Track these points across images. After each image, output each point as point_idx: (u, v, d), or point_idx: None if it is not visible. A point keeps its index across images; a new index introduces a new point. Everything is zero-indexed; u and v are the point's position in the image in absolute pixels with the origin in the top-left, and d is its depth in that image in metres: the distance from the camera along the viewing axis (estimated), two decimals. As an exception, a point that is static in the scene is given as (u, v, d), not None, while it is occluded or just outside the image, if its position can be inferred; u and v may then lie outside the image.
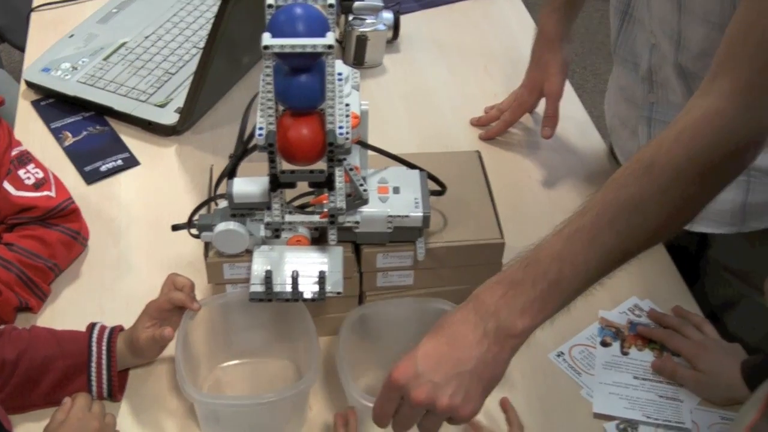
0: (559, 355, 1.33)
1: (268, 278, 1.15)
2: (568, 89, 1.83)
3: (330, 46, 1.01)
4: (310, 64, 1.04)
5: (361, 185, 1.15)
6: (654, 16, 1.32)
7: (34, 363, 1.22)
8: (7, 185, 1.37)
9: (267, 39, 1.01)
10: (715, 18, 1.21)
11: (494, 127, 1.70)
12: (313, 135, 1.08)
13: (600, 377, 1.30)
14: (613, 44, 1.50)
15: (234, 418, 1.22)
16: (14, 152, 1.42)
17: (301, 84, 1.05)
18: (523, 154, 1.68)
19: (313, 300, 1.17)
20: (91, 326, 1.27)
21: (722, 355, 1.28)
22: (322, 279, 1.15)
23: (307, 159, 1.10)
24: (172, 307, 1.23)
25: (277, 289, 1.16)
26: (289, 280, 1.15)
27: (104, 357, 1.24)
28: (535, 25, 1.98)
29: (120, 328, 1.27)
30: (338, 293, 1.17)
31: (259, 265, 1.19)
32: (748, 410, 0.95)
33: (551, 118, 1.62)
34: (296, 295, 1.16)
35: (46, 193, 1.40)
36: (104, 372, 1.24)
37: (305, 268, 1.18)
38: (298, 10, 1.03)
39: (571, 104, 1.76)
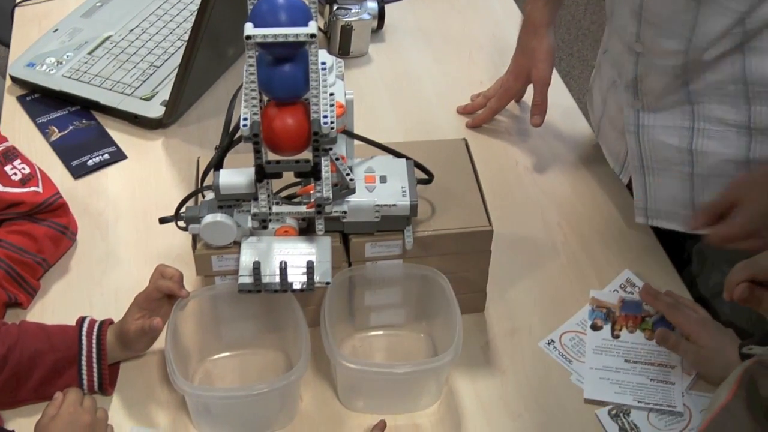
0: (549, 343, 1.33)
1: (256, 269, 1.15)
2: (555, 76, 1.83)
3: (312, 35, 1.00)
4: (293, 53, 1.04)
5: (348, 174, 1.15)
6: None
7: (24, 357, 1.21)
8: None
9: (249, 29, 1.01)
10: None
11: (480, 114, 1.69)
12: (298, 125, 1.08)
13: (591, 362, 1.30)
14: (604, 46, 1.50)
15: (225, 409, 1.22)
16: (0, 148, 1.41)
17: (284, 74, 1.05)
18: (510, 142, 1.67)
19: (302, 290, 1.17)
20: (81, 320, 1.27)
21: (720, 335, 1.28)
22: (310, 269, 1.15)
23: (293, 149, 1.10)
24: (160, 296, 1.23)
25: (265, 280, 1.16)
26: (278, 271, 1.15)
27: (94, 350, 1.24)
28: (521, 12, 1.98)
29: (110, 322, 1.27)
30: (327, 283, 1.17)
31: (247, 257, 1.19)
32: (721, 391, 0.96)
33: (540, 105, 1.61)
34: (285, 286, 1.16)
35: (33, 188, 1.40)
36: (95, 365, 1.23)
37: (293, 258, 1.18)
38: (280, 0, 1.03)
39: (557, 91, 1.76)
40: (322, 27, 1.84)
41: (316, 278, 1.16)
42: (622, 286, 1.40)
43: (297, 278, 1.17)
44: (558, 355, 1.31)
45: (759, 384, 0.90)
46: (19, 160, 1.42)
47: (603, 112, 1.54)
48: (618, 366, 1.29)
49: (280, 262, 1.15)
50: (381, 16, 1.88)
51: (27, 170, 1.41)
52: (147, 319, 1.22)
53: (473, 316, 1.35)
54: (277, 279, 1.16)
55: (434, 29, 1.95)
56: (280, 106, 1.08)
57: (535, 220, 1.52)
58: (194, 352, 1.29)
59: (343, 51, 1.81)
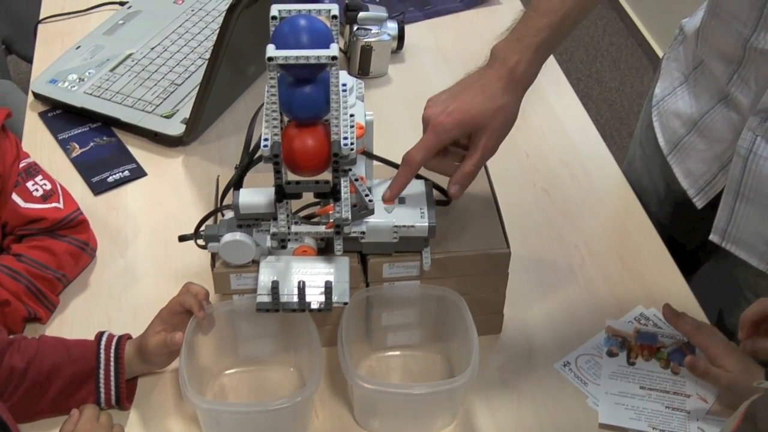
0: (565, 365, 1.33)
1: (274, 289, 1.15)
2: (572, 96, 1.83)
3: (334, 57, 1.01)
4: (314, 75, 1.05)
5: (367, 195, 1.16)
6: None
7: (43, 370, 1.22)
8: (15, 197, 1.38)
9: (271, 50, 1.01)
10: None
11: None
12: (318, 146, 1.09)
13: (606, 387, 1.30)
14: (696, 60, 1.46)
15: (235, 425, 1.22)
16: (22, 164, 1.42)
17: (306, 95, 1.06)
18: (528, 163, 1.68)
19: (319, 310, 1.17)
20: (100, 334, 1.27)
21: (744, 359, 1.25)
22: (328, 289, 1.16)
23: (313, 170, 1.11)
24: (183, 311, 1.24)
25: (283, 299, 1.17)
26: (296, 291, 1.16)
27: (112, 364, 1.24)
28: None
29: (128, 337, 1.28)
30: (344, 303, 1.18)
31: (265, 276, 1.19)
32: (729, 422, 0.95)
33: (469, 175, 1.24)
34: (303, 306, 1.17)
35: (54, 204, 1.41)
36: (112, 379, 1.24)
37: (312, 278, 1.18)
38: (301, 22, 1.04)
39: (576, 112, 1.77)
40: (343, 47, 1.85)
41: (334, 298, 1.17)
42: (637, 318, 1.39)
43: (315, 298, 1.17)
44: (574, 378, 1.31)
45: (758, 417, 0.89)
46: (40, 176, 1.43)
47: (693, 130, 1.46)
48: (633, 392, 1.29)
49: (299, 282, 1.16)
50: (401, 36, 1.89)
51: (48, 186, 1.43)
52: (168, 333, 1.22)
53: (489, 337, 1.35)
54: (295, 299, 1.16)
55: (454, 50, 1.95)
56: (301, 127, 1.09)
57: (552, 243, 1.52)
58: (211, 366, 1.30)
59: (363, 71, 1.82)
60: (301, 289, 1.15)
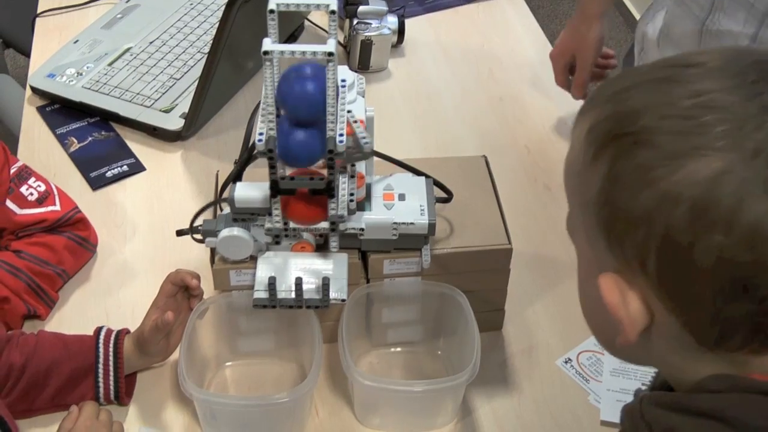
0: (566, 362, 1.32)
1: (271, 285, 1.15)
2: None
3: (330, 54, 1.00)
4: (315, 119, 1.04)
5: (363, 138, 1.12)
6: None
7: (41, 366, 1.22)
8: (10, 204, 1.36)
9: (267, 44, 1.00)
10: None
11: (574, 89, 1.70)
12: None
13: (608, 384, 1.29)
14: None
15: (230, 418, 1.22)
16: (13, 169, 1.39)
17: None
18: (530, 159, 1.67)
19: (316, 307, 1.17)
20: (98, 329, 1.27)
21: None
22: (325, 286, 1.15)
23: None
24: (176, 292, 1.24)
25: (281, 295, 1.16)
26: (293, 287, 1.15)
27: (111, 359, 1.24)
28: (541, 28, 1.98)
29: (126, 331, 1.27)
30: (342, 300, 1.17)
31: (263, 272, 1.18)
32: None
33: (580, 84, 1.65)
34: (300, 302, 1.16)
35: (50, 207, 1.39)
36: (111, 374, 1.23)
37: (310, 274, 1.17)
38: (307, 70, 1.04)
39: (577, 107, 1.75)
40: (342, 41, 1.84)
41: (332, 295, 1.16)
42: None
43: (312, 294, 1.16)
44: (575, 374, 1.31)
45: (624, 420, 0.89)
46: (33, 178, 1.41)
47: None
48: (635, 389, 1.28)
49: (296, 278, 1.15)
50: (401, 31, 1.88)
51: (43, 188, 1.41)
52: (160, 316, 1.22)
53: (490, 334, 1.35)
54: (292, 294, 1.16)
55: (454, 44, 1.95)
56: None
57: (553, 238, 1.51)
58: (212, 358, 1.30)
59: (363, 66, 1.81)
60: (299, 285, 1.14)
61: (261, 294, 1.17)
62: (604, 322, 0.74)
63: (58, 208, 1.40)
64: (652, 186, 0.65)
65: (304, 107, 1.04)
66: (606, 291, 0.72)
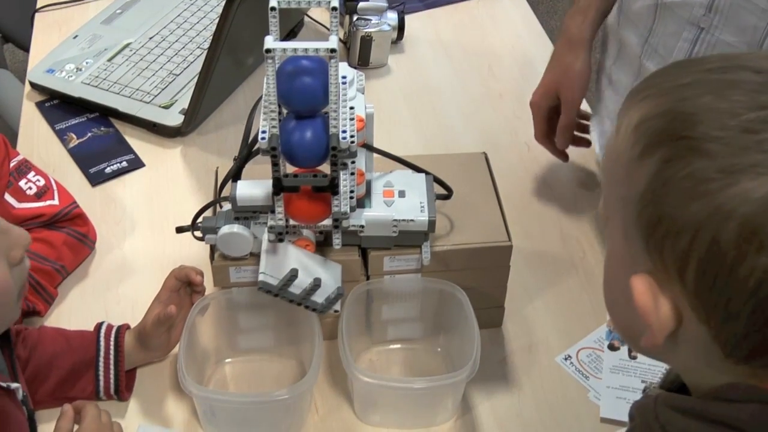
0: (566, 359, 1.32)
1: (293, 277, 1.14)
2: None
3: (333, 50, 1.00)
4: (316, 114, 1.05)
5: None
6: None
7: (42, 360, 1.22)
8: (9, 198, 1.36)
9: (269, 42, 1.00)
10: None
11: (558, 150, 1.56)
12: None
13: (607, 381, 1.29)
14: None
15: (230, 414, 1.22)
16: (12, 163, 1.39)
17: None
18: (530, 156, 1.66)
19: (314, 309, 1.17)
20: (99, 324, 1.27)
21: None
22: (335, 297, 1.16)
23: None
24: (179, 286, 1.24)
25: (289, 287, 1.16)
26: (306, 285, 1.15)
27: (112, 353, 1.24)
28: (541, 25, 1.98)
29: (127, 327, 1.28)
30: (336, 311, 1.19)
31: (276, 259, 1.18)
32: None
33: (565, 127, 1.49)
34: (304, 301, 1.16)
35: (48, 202, 1.39)
36: (111, 368, 1.23)
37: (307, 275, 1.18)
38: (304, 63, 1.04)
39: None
40: (342, 37, 1.84)
41: (335, 306, 1.17)
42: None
43: (316, 297, 1.16)
44: (575, 371, 1.31)
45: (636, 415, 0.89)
46: (33, 172, 1.41)
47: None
48: (635, 386, 1.28)
49: (314, 279, 1.15)
50: (401, 27, 1.87)
51: (42, 182, 1.41)
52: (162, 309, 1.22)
53: (490, 331, 1.34)
54: (298, 291, 1.15)
55: (454, 41, 1.94)
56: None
57: (553, 236, 1.51)
58: (212, 355, 1.30)
59: (363, 62, 1.81)
60: (317, 285, 1.15)
61: (269, 279, 1.16)
62: (631, 320, 0.73)
63: (56, 202, 1.40)
64: (705, 198, 0.64)
65: (299, 99, 1.05)
66: (638, 294, 0.70)
